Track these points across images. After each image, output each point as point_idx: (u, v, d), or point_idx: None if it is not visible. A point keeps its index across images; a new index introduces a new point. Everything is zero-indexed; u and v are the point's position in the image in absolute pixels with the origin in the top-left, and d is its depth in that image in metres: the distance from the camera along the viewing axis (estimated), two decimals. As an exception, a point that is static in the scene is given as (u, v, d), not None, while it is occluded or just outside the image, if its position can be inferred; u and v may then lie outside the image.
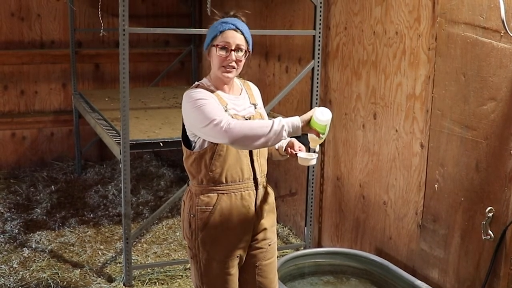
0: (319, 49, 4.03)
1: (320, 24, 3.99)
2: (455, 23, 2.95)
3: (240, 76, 2.63)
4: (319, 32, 4.00)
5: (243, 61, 2.44)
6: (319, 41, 4.01)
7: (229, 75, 2.43)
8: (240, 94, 2.55)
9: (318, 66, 4.05)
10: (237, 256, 2.50)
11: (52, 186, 5.58)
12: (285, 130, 2.23)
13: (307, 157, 2.43)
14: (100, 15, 4.44)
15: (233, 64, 2.40)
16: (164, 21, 6.50)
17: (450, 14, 2.98)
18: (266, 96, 4.78)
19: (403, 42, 3.38)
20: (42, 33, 6.11)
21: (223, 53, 2.39)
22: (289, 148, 2.54)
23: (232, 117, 2.39)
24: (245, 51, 2.43)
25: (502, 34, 2.68)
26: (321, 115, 2.27)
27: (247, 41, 2.44)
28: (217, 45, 2.39)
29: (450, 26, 2.99)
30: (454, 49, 2.97)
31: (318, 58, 4.03)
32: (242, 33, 2.42)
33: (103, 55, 6.32)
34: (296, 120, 2.26)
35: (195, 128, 2.38)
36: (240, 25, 2.42)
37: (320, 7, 3.97)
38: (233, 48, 2.39)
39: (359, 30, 3.77)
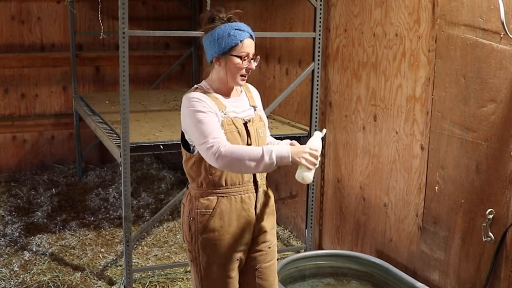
0: (319, 51, 4.03)
1: (320, 26, 3.99)
2: (455, 24, 2.95)
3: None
4: (319, 34, 4.00)
5: None
6: (319, 43, 4.01)
7: (244, 81, 2.47)
8: (240, 96, 2.55)
9: (318, 68, 4.05)
10: (237, 259, 2.50)
11: (53, 189, 5.58)
12: (274, 163, 2.25)
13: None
14: (100, 18, 4.44)
15: (249, 71, 2.44)
16: (164, 23, 6.50)
17: (450, 15, 2.98)
18: (266, 98, 4.78)
19: (403, 44, 3.38)
20: (43, 36, 6.11)
21: (245, 63, 2.39)
22: None
23: (232, 120, 2.39)
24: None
25: (502, 35, 2.68)
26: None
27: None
28: (240, 56, 2.37)
29: (450, 27, 2.99)
30: (454, 50, 2.97)
31: (318, 60, 4.03)
32: (253, 39, 2.43)
33: (104, 58, 6.33)
34: (287, 153, 2.24)
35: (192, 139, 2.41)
36: (251, 30, 2.42)
37: (320, 9, 3.97)
38: (251, 57, 2.41)
39: (359, 32, 3.77)
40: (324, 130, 2.49)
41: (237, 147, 2.28)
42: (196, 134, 2.32)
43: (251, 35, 2.41)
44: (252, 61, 2.42)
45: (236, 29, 2.37)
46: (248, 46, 2.39)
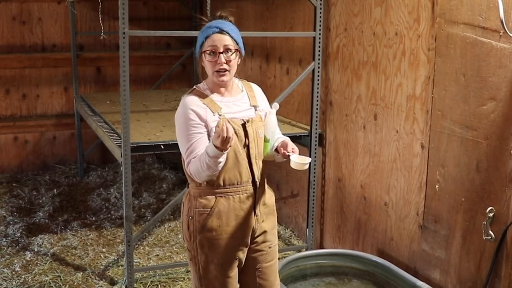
0: (319, 51, 4.03)
1: (320, 25, 3.99)
2: (455, 23, 2.95)
3: (241, 78, 2.62)
4: (319, 34, 4.00)
5: (235, 61, 2.43)
6: (319, 42, 4.01)
7: (224, 78, 2.42)
8: (239, 96, 2.54)
9: (319, 67, 4.05)
10: (236, 259, 2.50)
11: (55, 190, 5.59)
12: (214, 156, 2.29)
13: (301, 162, 2.38)
14: (100, 18, 4.45)
15: (225, 66, 2.40)
16: (165, 24, 6.51)
17: (450, 14, 2.98)
18: (267, 98, 4.76)
19: (403, 42, 3.38)
20: (44, 36, 6.13)
21: (211, 58, 2.39)
22: (282, 149, 2.47)
23: (229, 121, 2.38)
24: (235, 50, 2.42)
25: (501, 34, 2.68)
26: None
27: (235, 41, 2.42)
28: (205, 51, 2.40)
29: (450, 26, 2.99)
30: (454, 49, 2.97)
31: (319, 59, 4.03)
32: (229, 34, 2.40)
33: (105, 58, 6.34)
34: (211, 145, 2.30)
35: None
36: (225, 26, 2.40)
37: (320, 8, 3.97)
38: (221, 51, 2.38)
39: (359, 31, 3.77)
40: (276, 105, 2.59)
41: (195, 160, 2.37)
42: (181, 145, 2.45)
43: (221, 30, 2.39)
44: (221, 54, 2.38)
45: (207, 27, 2.41)
46: (215, 40, 2.38)
